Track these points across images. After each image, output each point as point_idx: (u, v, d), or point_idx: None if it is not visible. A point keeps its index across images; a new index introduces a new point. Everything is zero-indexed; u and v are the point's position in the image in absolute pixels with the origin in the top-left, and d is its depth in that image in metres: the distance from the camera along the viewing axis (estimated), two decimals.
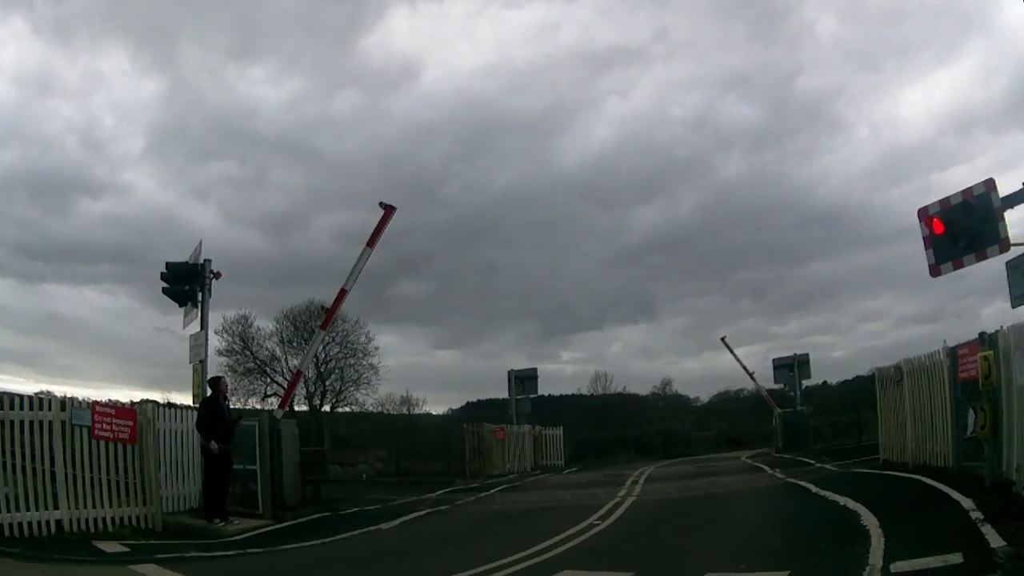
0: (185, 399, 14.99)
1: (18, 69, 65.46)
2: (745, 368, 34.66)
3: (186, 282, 13.83)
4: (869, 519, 8.06)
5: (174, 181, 69.49)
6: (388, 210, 15.07)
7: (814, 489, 11.70)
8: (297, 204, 68.85)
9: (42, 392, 24.69)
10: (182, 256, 14.20)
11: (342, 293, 15.13)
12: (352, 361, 38.42)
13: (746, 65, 72.09)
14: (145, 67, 71.10)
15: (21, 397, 10.69)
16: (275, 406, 35.64)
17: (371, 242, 14.93)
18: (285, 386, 38.04)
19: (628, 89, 76.36)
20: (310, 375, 37.66)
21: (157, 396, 34.58)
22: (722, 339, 33.28)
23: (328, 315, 15.98)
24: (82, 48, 69.76)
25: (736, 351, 31.75)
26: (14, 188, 63.34)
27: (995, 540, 6.15)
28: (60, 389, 39.59)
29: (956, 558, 5.86)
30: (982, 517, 7.11)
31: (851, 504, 9.26)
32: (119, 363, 65.31)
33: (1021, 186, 10.27)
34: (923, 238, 11.34)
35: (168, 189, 69.55)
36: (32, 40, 67.22)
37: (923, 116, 73.62)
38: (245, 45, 72.24)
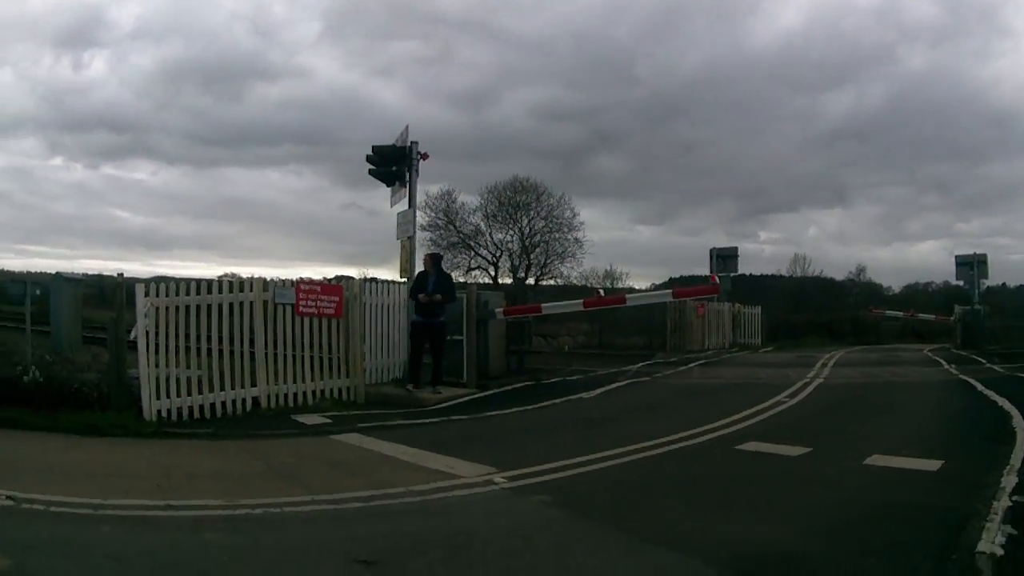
0: (382, 274, 16.87)
1: None
2: None
3: (393, 163, 14.02)
4: (1018, 422, 8.95)
5: (357, 62, 72.39)
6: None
7: (979, 388, 12.56)
8: (487, 81, 72.40)
9: (228, 274, 26.51)
10: (374, 134, 15.05)
11: (622, 298, 16.98)
12: (557, 235, 39.87)
13: None
14: None
15: (220, 282, 10.94)
16: (478, 279, 37.70)
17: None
18: (488, 259, 39.73)
19: None
20: (516, 249, 39.07)
21: (352, 272, 36.86)
22: None
23: (596, 302, 16.60)
24: None
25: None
26: (179, 80, 65.47)
27: None
28: (247, 270, 41.50)
29: None
30: None
31: (1007, 406, 10.12)
32: (308, 241, 69.18)
33: None
34: None
35: (351, 70, 72.41)
36: None
37: None
38: None
